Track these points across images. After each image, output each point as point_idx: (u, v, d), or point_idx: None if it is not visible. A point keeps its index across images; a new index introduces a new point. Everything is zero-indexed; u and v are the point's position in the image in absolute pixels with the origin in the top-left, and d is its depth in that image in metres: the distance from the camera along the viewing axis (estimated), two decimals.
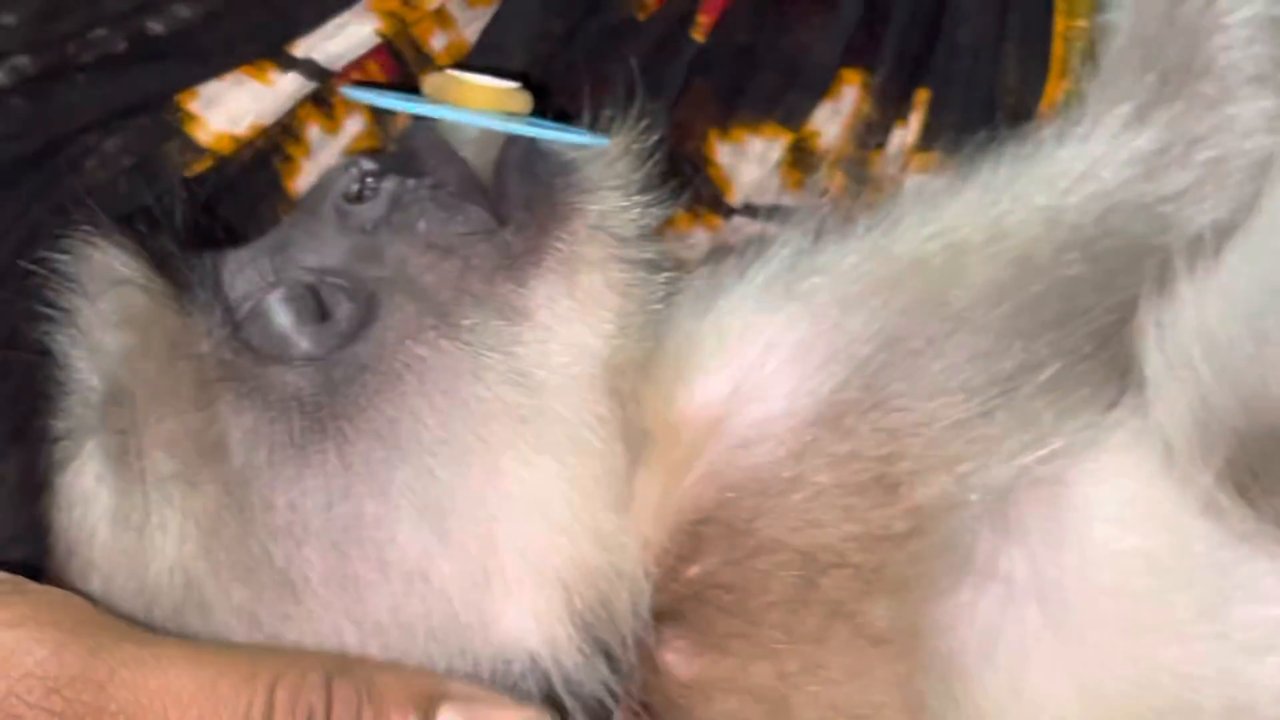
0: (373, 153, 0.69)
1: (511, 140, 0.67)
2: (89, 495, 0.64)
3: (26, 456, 0.73)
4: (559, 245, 0.66)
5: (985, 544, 0.63)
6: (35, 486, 0.71)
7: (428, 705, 0.56)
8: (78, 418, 0.66)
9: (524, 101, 0.67)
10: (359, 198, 0.67)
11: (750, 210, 0.78)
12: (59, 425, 0.67)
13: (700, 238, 0.77)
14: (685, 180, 0.72)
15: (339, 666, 0.57)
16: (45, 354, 0.69)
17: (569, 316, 0.65)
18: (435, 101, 0.67)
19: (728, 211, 0.77)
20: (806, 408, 0.63)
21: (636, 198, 0.68)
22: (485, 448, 0.62)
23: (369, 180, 0.67)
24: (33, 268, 0.67)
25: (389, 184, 0.67)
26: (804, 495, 0.62)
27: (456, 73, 0.67)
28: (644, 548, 0.64)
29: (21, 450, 0.73)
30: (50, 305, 0.68)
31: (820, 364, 0.64)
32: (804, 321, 0.65)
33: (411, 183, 0.66)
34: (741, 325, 0.66)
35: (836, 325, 0.64)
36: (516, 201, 0.66)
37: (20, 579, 0.60)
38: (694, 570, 0.63)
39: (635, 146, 0.68)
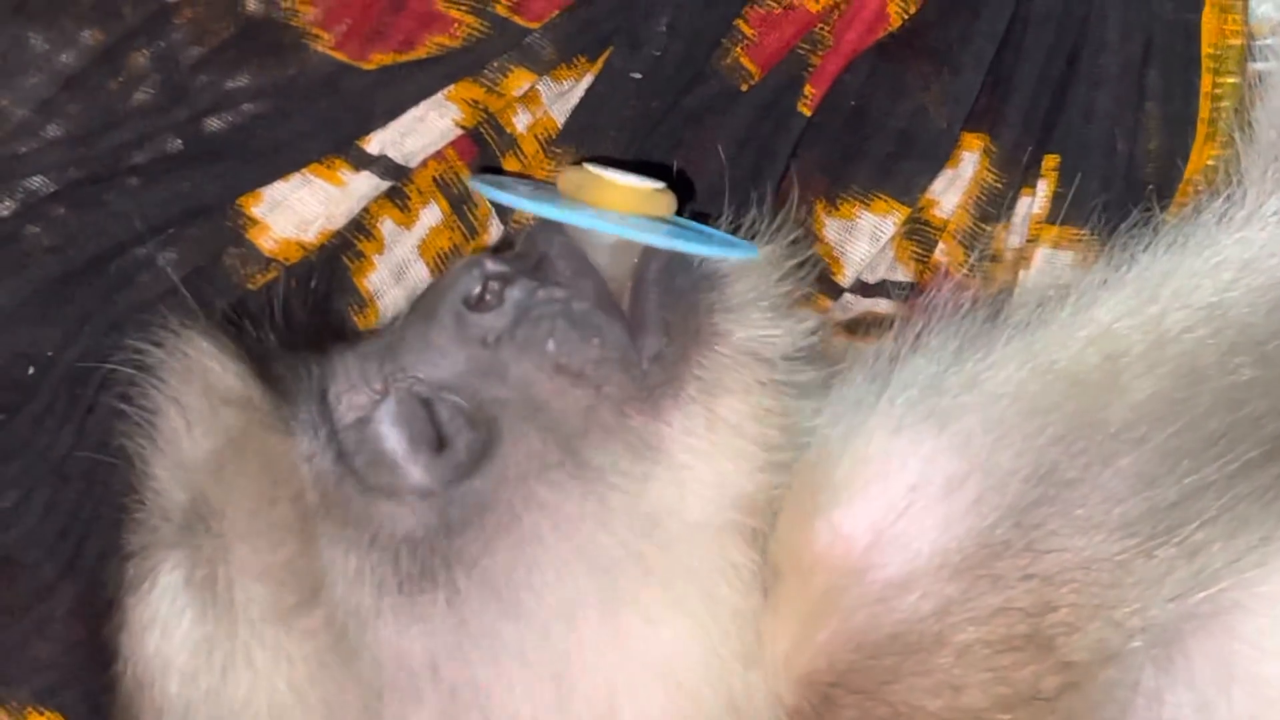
0: (495, 253, 0.62)
1: (650, 248, 0.60)
2: (167, 623, 0.59)
3: (82, 587, 0.67)
4: (699, 373, 0.60)
5: (1147, 689, 0.58)
6: (94, 614, 0.65)
7: None
8: (155, 533, 0.60)
9: (668, 204, 0.60)
10: (481, 304, 0.60)
11: (861, 287, 0.72)
12: (132, 540, 0.61)
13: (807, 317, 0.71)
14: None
15: None
16: (116, 461, 0.63)
17: (708, 453, 0.59)
18: (571, 200, 0.60)
19: (836, 292, 0.71)
20: (953, 554, 0.57)
21: (786, 316, 0.61)
22: (607, 603, 0.57)
23: (492, 284, 0.60)
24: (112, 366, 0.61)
25: (516, 292, 0.60)
26: (947, 656, 0.57)
27: (596, 170, 0.60)
28: (774, 706, 0.58)
29: (74, 583, 0.67)
30: (129, 406, 0.61)
31: (969, 505, 0.58)
32: (951, 454, 0.59)
33: (541, 293, 0.60)
34: (882, 454, 0.59)
35: (987, 460, 0.58)
36: (655, 324, 0.60)
37: None
38: None
39: (786, 258, 0.62)
